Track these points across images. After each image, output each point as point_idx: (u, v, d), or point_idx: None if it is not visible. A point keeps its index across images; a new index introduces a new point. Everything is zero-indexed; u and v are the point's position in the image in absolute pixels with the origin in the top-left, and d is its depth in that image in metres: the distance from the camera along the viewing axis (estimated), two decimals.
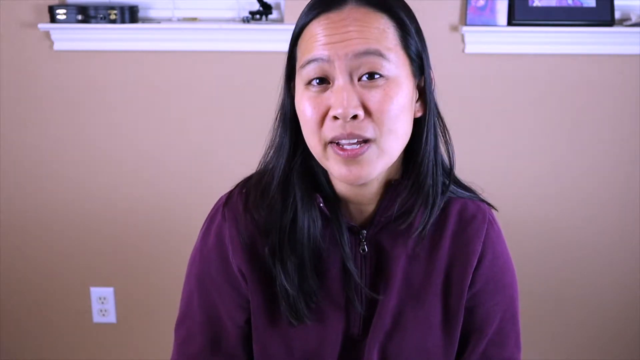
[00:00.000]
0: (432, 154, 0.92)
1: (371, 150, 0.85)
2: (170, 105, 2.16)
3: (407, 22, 0.88)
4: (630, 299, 2.30)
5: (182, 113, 2.17)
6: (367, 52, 0.84)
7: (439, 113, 0.95)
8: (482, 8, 2.05)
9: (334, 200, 0.95)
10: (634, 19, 2.07)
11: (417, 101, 0.91)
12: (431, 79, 0.92)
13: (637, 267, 2.27)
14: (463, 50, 2.09)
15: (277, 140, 0.95)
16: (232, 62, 2.12)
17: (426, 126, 0.91)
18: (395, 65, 0.86)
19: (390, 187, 0.93)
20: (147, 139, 2.19)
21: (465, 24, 2.06)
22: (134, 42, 2.11)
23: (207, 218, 1.02)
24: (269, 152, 0.96)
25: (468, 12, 2.05)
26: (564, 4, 2.06)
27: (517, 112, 2.15)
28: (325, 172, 0.94)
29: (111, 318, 2.34)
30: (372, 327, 0.96)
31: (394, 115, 0.85)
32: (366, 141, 0.85)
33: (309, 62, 0.85)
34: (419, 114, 0.92)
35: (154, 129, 2.18)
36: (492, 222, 1.00)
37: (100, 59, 2.12)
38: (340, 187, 0.93)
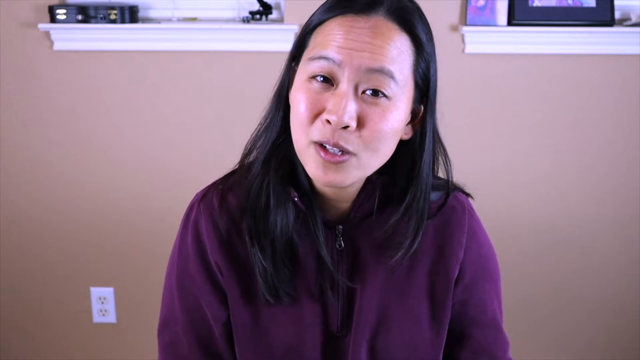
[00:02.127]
0: (424, 180, 0.91)
1: (350, 162, 0.85)
2: (170, 105, 2.16)
3: (426, 46, 0.87)
4: (630, 299, 2.30)
5: (182, 113, 2.17)
6: (380, 71, 0.82)
7: (439, 138, 0.94)
8: (482, 8, 2.05)
9: (310, 193, 0.94)
10: (634, 19, 2.07)
11: (407, 124, 0.91)
12: (433, 106, 0.90)
13: (637, 267, 2.27)
14: (463, 50, 2.09)
15: (269, 117, 0.95)
16: (232, 62, 2.12)
17: (424, 154, 0.91)
18: (401, 90, 0.85)
19: (367, 183, 0.93)
20: (147, 139, 2.19)
21: (465, 24, 2.06)
22: (134, 42, 2.11)
23: (183, 217, 1.01)
24: (259, 129, 0.96)
25: (468, 12, 2.05)
26: (564, 4, 2.06)
27: (517, 112, 2.15)
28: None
29: (111, 318, 2.34)
30: (355, 324, 0.96)
31: (383, 137, 0.85)
32: (347, 152, 0.84)
33: (320, 57, 0.84)
34: (406, 137, 0.91)
35: (153, 129, 2.18)
36: (471, 212, 1.01)
37: (100, 59, 2.12)
38: (318, 183, 0.93)
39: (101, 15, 2.04)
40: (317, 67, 0.84)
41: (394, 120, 0.85)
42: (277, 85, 0.95)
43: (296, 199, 0.92)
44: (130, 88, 2.15)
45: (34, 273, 2.31)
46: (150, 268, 2.29)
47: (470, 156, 2.15)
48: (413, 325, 0.97)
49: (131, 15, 2.07)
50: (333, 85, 0.84)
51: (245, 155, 0.99)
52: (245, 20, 2.08)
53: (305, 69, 0.86)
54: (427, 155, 0.91)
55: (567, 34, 2.07)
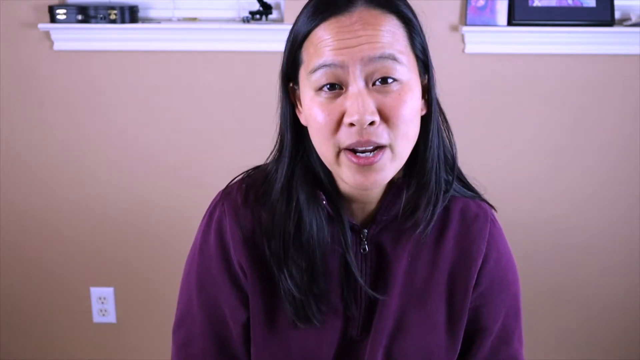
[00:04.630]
0: (436, 152, 0.92)
1: (385, 156, 0.85)
2: (170, 105, 2.16)
3: (414, 20, 0.88)
4: (631, 299, 2.30)
5: (182, 113, 2.17)
6: (382, 57, 0.82)
7: (440, 109, 0.95)
8: (482, 8, 2.05)
9: (336, 198, 0.94)
10: (634, 19, 2.07)
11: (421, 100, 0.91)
12: (434, 76, 0.91)
13: (638, 267, 2.27)
14: (463, 50, 2.09)
15: (279, 143, 0.95)
16: (232, 62, 2.12)
17: (431, 125, 0.91)
18: (407, 68, 0.85)
19: (392, 186, 0.93)
20: (147, 139, 2.19)
21: (465, 24, 2.06)
22: (134, 42, 2.11)
23: (205, 214, 1.00)
24: (274, 156, 0.96)
25: (468, 12, 2.05)
26: (564, 4, 2.06)
27: (517, 112, 2.15)
28: (326, 171, 0.93)
29: (111, 318, 2.34)
30: (374, 329, 0.95)
31: (409, 119, 0.85)
32: (380, 147, 0.84)
33: (320, 66, 0.84)
34: (422, 112, 0.91)
35: (153, 129, 2.18)
36: (494, 221, 1.00)
37: (100, 59, 2.12)
38: (346, 187, 0.92)
39: (101, 15, 2.04)
40: (320, 77, 0.84)
41: (411, 101, 0.85)
42: (279, 109, 0.94)
43: (324, 202, 0.92)
44: (130, 88, 2.15)
45: (34, 273, 2.31)
46: (150, 268, 2.29)
47: (470, 156, 2.14)
48: (430, 331, 0.97)
49: (131, 15, 2.07)
50: (342, 89, 0.84)
51: (265, 177, 0.97)
52: (245, 20, 2.08)
53: (310, 83, 0.86)
54: (434, 125, 0.91)
55: (567, 34, 2.06)
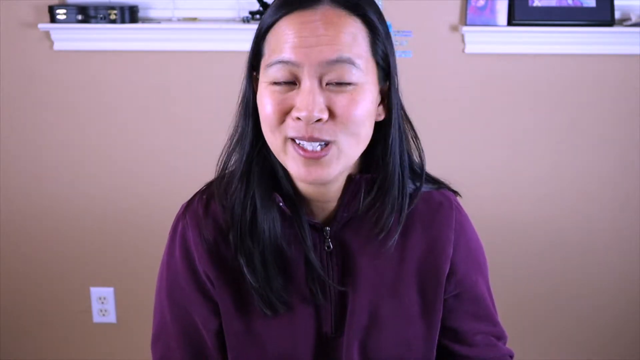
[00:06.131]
0: (397, 157, 0.92)
1: (332, 153, 0.85)
2: (170, 105, 2.16)
3: (379, 26, 0.87)
4: (630, 299, 2.30)
5: (182, 113, 2.17)
6: (339, 60, 0.82)
7: (406, 116, 0.95)
8: (482, 8, 2.05)
9: (295, 197, 0.93)
10: (634, 19, 2.07)
11: (379, 105, 0.91)
12: (396, 83, 0.91)
13: (637, 267, 2.27)
14: (463, 50, 2.09)
15: (239, 130, 0.94)
16: (232, 62, 2.11)
17: (390, 130, 0.91)
18: (364, 72, 0.85)
19: (351, 182, 0.92)
20: (147, 139, 2.19)
21: (465, 24, 2.06)
22: (134, 42, 2.11)
23: (170, 230, 1.01)
24: (231, 143, 0.96)
25: (468, 12, 2.05)
26: (564, 4, 2.06)
27: (517, 112, 2.15)
28: (285, 169, 0.92)
29: (111, 318, 2.34)
30: (347, 325, 0.95)
31: (359, 120, 0.85)
32: (327, 143, 0.84)
33: (277, 62, 0.84)
34: (380, 118, 0.91)
35: (153, 129, 2.18)
36: (458, 208, 1.01)
37: (100, 59, 2.12)
38: (302, 185, 0.93)
39: (101, 15, 2.04)
40: (276, 71, 0.84)
41: (364, 103, 0.85)
42: (241, 97, 0.95)
43: (281, 204, 0.92)
44: (130, 88, 2.15)
45: (34, 273, 2.31)
46: (150, 268, 2.28)
47: (470, 156, 2.15)
48: (405, 322, 0.97)
49: (131, 15, 2.07)
50: (296, 84, 0.84)
51: (221, 170, 0.98)
52: (245, 20, 2.08)
53: (266, 75, 0.86)
54: (394, 131, 0.91)
55: (567, 34, 2.07)
